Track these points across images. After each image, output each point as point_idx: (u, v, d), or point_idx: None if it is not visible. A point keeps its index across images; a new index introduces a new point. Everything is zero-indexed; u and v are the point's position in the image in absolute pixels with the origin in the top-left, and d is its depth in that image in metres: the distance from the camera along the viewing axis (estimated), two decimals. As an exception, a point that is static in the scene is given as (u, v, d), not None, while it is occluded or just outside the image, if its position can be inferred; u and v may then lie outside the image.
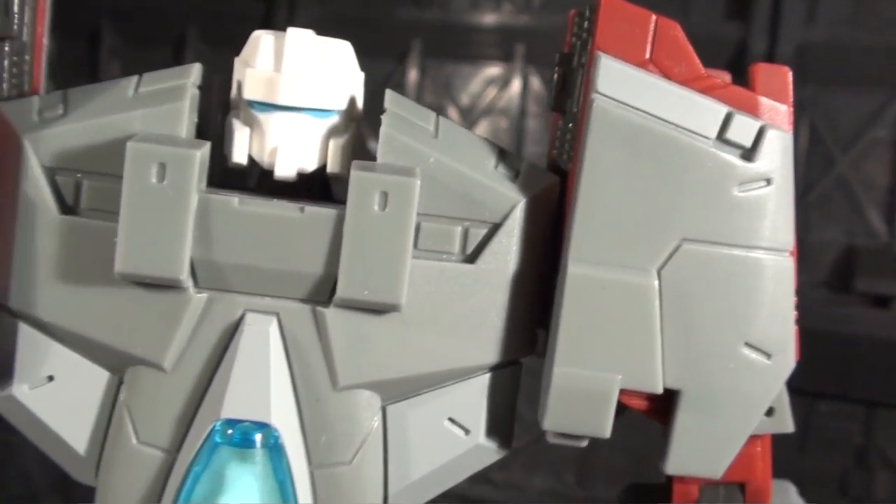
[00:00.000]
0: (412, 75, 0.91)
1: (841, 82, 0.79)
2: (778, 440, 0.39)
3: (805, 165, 0.80)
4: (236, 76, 0.32)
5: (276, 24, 0.85)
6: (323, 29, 0.34)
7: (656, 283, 0.31)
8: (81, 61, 0.98)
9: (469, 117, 0.85)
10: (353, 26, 0.92)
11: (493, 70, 0.87)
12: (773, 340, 0.32)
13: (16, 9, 0.32)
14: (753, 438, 0.35)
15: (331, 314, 0.31)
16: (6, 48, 0.32)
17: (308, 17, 0.88)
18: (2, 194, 0.31)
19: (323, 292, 0.31)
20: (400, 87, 0.90)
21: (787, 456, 0.42)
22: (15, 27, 0.32)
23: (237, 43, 0.34)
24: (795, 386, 0.37)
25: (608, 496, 0.90)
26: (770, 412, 0.35)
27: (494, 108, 0.86)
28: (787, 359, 0.32)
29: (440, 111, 0.36)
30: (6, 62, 0.32)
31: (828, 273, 0.81)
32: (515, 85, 0.86)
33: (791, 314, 0.32)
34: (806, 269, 0.85)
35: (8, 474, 1.08)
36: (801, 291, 0.33)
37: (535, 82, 0.86)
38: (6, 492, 1.08)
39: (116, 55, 0.96)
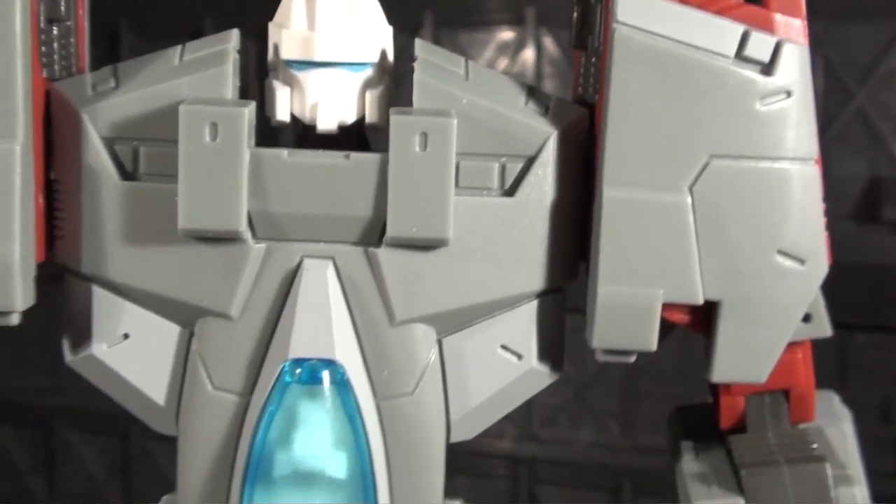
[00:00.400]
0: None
1: (853, 15, 0.80)
2: (818, 375, 0.40)
3: (823, 101, 0.81)
4: (272, 39, 0.34)
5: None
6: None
7: (689, 199, 0.33)
8: (102, 62, 1.02)
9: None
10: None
11: (506, 35, 0.89)
12: (805, 247, 0.34)
13: None
14: (794, 346, 0.37)
15: (383, 254, 0.33)
16: (55, 31, 0.34)
17: None
18: (65, 167, 0.33)
19: (374, 234, 0.33)
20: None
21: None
22: (62, 10, 0.34)
23: (253, 31, 0.36)
24: (830, 319, 0.39)
25: (652, 444, 0.91)
26: (807, 318, 0.37)
27: (510, 72, 0.87)
28: (820, 264, 0.34)
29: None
30: (56, 45, 0.34)
31: (854, 206, 0.82)
32: (529, 48, 0.88)
33: (821, 221, 0.34)
34: (832, 204, 0.86)
35: (70, 472, 1.12)
36: (828, 226, 0.35)
37: (549, 43, 0.87)
38: (69, 490, 1.12)
39: (137, 52, 0.98)
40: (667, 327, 0.36)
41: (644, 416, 0.90)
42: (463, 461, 0.98)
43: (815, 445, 0.37)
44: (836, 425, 0.40)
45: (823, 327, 0.36)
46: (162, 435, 0.35)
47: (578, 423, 0.94)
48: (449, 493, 0.36)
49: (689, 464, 0.38)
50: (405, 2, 0.93)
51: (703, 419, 0.40)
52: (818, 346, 0.39)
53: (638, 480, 0.92)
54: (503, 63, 0.88)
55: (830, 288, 0.37)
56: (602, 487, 0.94)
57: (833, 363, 0.85)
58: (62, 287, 0.35)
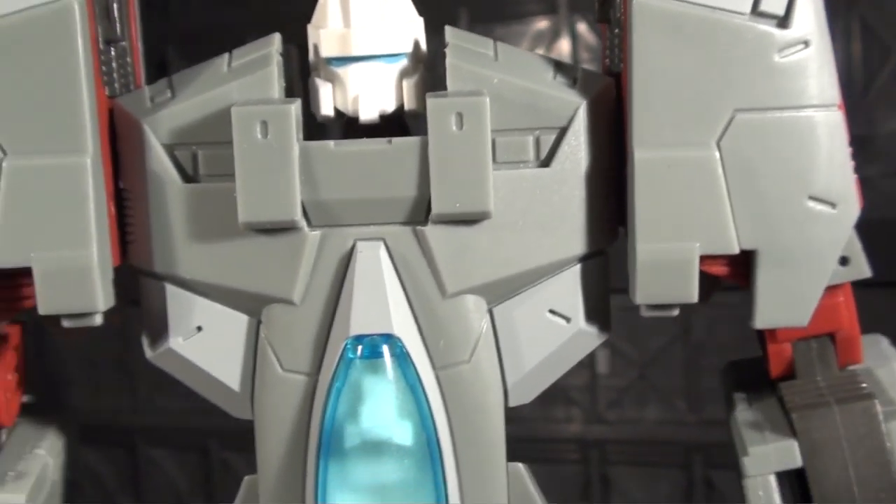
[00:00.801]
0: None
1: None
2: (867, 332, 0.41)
3: (862, 62, 0.81)
4: (311, 40, 0.37)
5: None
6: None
7: (717, 154, 0.34)
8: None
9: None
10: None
11: (541, 24, 0.91)
12: (836, 191, 0.35)
13: (116, 15, 0.37)
14: (835, 289, 0.38)
15: (430, 231, 0.35)
16: (112, 52, 0.37)
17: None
18: (132, 175, 0.36)
19: (420, 213, 0.35)
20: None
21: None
22: (118, 32, 0.37)
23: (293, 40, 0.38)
24: (876, 280, 0.40)
25: (719, 417, 0.92)
26: (845, 262, 0.38)
27: (548, 61, 0.89)
28: (851, 207, 0.35)
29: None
30: (114, 64, 0.37)
31: (901, 162, 0.82)
32: (564, 36, 0.89)
33: (849, 164, 0.35)
34: (877, 162, 0.86)
35: (155, 486, 1.17)
36: (874, 184, 0.36)
37: (583, 30, 0.89)
38: (158, 501, 1.17)
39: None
40: (711, 284, 0.37)
41: (708, 390, 0.91)
42: (534, 448, 1.00)
43: (864, 385, 0.38)
44: (885, 366, 0.41)
45: (862, 269, 0.37)
46: (239, 445, 0.38)
47: (644, 402, 0.95)
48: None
49: (743, 413, 0.40)
50: (439, 1, 0.96)
51: (755, 371, 0.42)
52: (868, 304, 0.40)
53: (708, 454, 0.93)
54: (541, 51, 0.89)
55: (879, 245, 0.38)
56: (673, 464, 0.95)
57: (882, 320, 0.85)
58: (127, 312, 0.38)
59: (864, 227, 0.37)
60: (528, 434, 1.01)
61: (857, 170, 0.35)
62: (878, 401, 0.38)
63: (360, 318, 0.34)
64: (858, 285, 0.39)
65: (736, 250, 0.35)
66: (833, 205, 0.35)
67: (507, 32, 0.95)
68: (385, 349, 0.34)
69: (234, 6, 1.02)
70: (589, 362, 0.97)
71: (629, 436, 0.96)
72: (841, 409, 0.37)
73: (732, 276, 0.36)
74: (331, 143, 0.35)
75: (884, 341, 0.43)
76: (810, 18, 0.34)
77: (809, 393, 0.38)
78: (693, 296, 0.34)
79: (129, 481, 1.19)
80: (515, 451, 0.97)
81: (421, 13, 0.37)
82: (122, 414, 1.16)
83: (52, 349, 0.96)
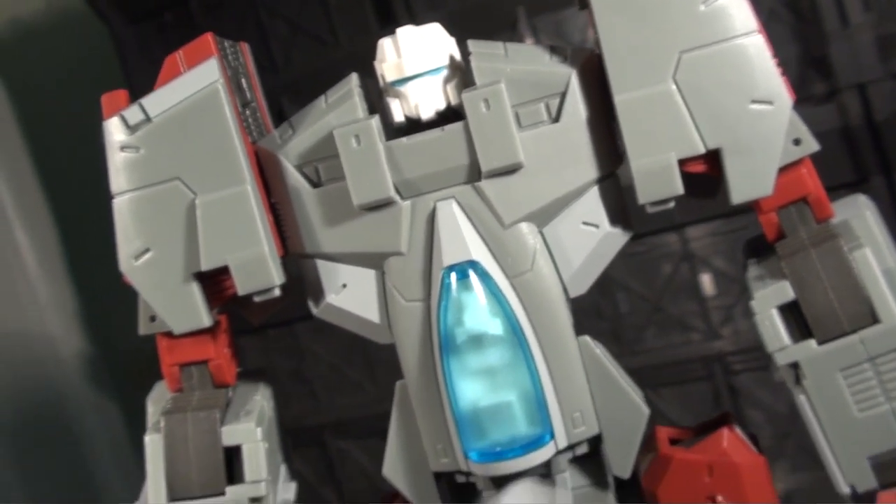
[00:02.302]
0: (526, 38, 1.09)
1: None
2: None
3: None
4: (378, 72, 0.51)
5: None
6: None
7: (674, 86, 0.47)
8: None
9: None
10: (463, 18, 1.12)
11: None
12: (770, 92, 0.47)
13: (244, 84, 0.53)
14: (797, 164, 0.49)
15: (484, 184, 0.49)
16: (247, 112, 0.54)
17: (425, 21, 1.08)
18: (278, 191, 0.51)
19: (475, 174, 0.49)
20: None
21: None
22: (248, 97, 0.54)
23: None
24: None
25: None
26: (798, 142, 0.50)
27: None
28: (785, 101, 0.47)
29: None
30: (250, 119, 0.54)
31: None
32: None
33: (776, 71, 0.47)
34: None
35: (350, 474, 1.34)
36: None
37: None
38: (353, 488, 1.34)
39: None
40: (711, 185, 0.50)
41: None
42: (663, 374, 1.12)
43: (832, 230, 0.50)
44: (858, 215, 0.51)
45: (811, 145, 0.49)
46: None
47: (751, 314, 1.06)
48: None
49: (752, 271, 0.52)
50: (498, 5, 1.10)
51: (763, 242, 0.54)
52: None
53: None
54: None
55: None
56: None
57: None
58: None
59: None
60: (656, 362, 1.13)
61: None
62: (845, 238, 0.50)
63: (448, 253, 0.48)
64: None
65: (703, 150, 0.47)
66: (770, 103, 0.48)
67: (564, 17, 1.08)
68: (470, 271, 0.49)
69: (324, 55, 1.21)
70: (695, 289, 1.10)
71: (746, 345, 1.07)
72: (816, 251, 0.49)
73: (709, 169, 0.49)
74: (404, 139, 0.49)
75: (861, 197, 0.54)
76: (721, -26, 0.47)
77: (794, 244, 0.50)
78: (678, 189, 0.48)
79: (327, 471, 1.37)
80: (646, 378, 1.11)
81: (484, 22, 0.50)
82: (308, 416, 1.34)
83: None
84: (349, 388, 1.33)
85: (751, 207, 0.51)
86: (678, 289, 1.10)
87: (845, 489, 0.49)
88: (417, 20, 1.11)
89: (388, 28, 1.09)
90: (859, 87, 0.96)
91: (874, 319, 0.48)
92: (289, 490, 0.55)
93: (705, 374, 1.09)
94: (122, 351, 1.76)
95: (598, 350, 0.51)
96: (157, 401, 0.55)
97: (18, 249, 1.78)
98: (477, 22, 1.10)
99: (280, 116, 0.57)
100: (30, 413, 1.69)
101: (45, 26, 1.60)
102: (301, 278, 0.53)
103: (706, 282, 1.08)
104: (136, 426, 1.78)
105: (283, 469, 0.56)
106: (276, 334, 1.33)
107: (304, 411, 1.35)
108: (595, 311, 1.16)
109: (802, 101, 0.97)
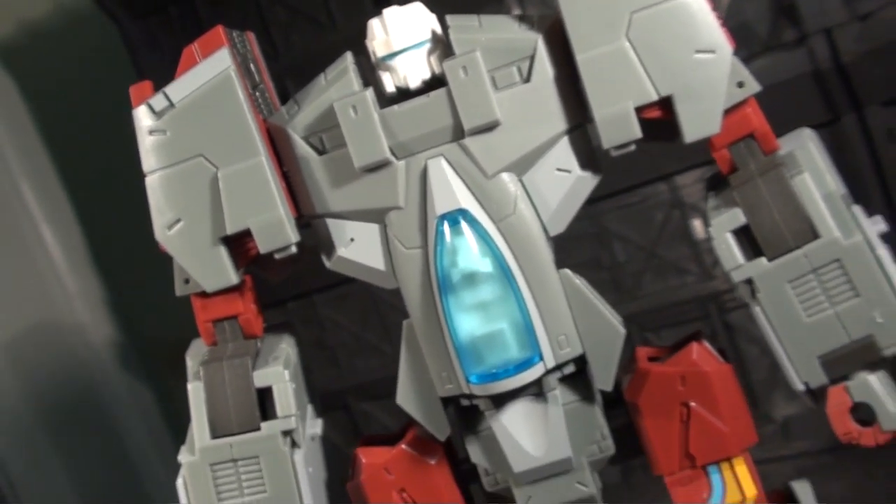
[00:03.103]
0: (514, 9, 1.16)
1: None
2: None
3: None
4: (369, 49, 0.58)
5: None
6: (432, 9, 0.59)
7: (627, 43, 0.54)
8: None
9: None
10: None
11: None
12: (712, 42, 0.54)
13: (253, 69, 0.61)
14: (742, 104, 0.56)
15: (468, 141, 0.56)
16: (257, 93, 0.61)
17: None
18: (289, 161, 0.58)
19: (459, 132, 0.56)
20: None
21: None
22: (257, 80, 0.61)
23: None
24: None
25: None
26: (741, 85, 0.57)
27: None
28: (726, 49, 0.54)
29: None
30: (260, 100, 0.61)
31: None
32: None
33: (716, 22, 0.54)
34: None
35: (375, 432, 1.42)
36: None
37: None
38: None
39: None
40: (667, 129, 0.57)
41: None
42: (661, 316, 1.19)
43: (775, 160, 0.56)
44: (802, 147, 0.58)
45: (753, 86, 0.56)
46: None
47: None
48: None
49: (710, 202, 0.58)
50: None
51: (720, 176, 0.61)
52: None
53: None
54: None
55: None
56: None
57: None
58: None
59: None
60: (655, 305, 1.20)
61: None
62: (788, 167, 0.57)
63: (440, 204, 0.55)
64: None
65: (656, 98, 0.54)
66: (713, 52, 0.54)
67: None
68: (460, 219, 0.56)
69: (322, 37, 1.28)
70: (687, 234, 1.17)
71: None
72: (762, 179, 0.56)
73: (663, 115, 0.55)
74: (396, 107, 0.56)
75: (806, 130, 0.59)
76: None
77: (744, 175, 0.57)
78: (637, 133, 0.54)
79: (352, 435, 1.45)
80: (647, 321, 1.19)
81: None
82: (330, 381, 1.42)
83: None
84: (368, 351, 1.41)
85: (706, 147, 0.58)
86: (671, 235, 1.17)
87: (800, 386, 0.56)
88: (407, -2, 1.18)
89: (381, 8, 1.17)
90: (826, 31, 1.02)
91: (815, 235, 0.55)
92: (316, 425, 0.63)
93: (701, 313, 1.16)
94: (147, 336, 1.86)
95: (578, 281, 0.58)
96: (194, 355, 0.63)
97: (45, 245, 1.86)
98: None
99: (285, 97, 0.64)
100: (65, 396, 1.78)
101: (55, 26, 1.67)
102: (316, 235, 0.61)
103: (697, 226, 1.15)
104: (165, 403, 1.88)
105: (309, 408, 0.64)
106: (295, 306, 1.41)
107: (327, 377, 1.43)
108: (595, 263, 1.23)
109: (775, 47, 1.05)
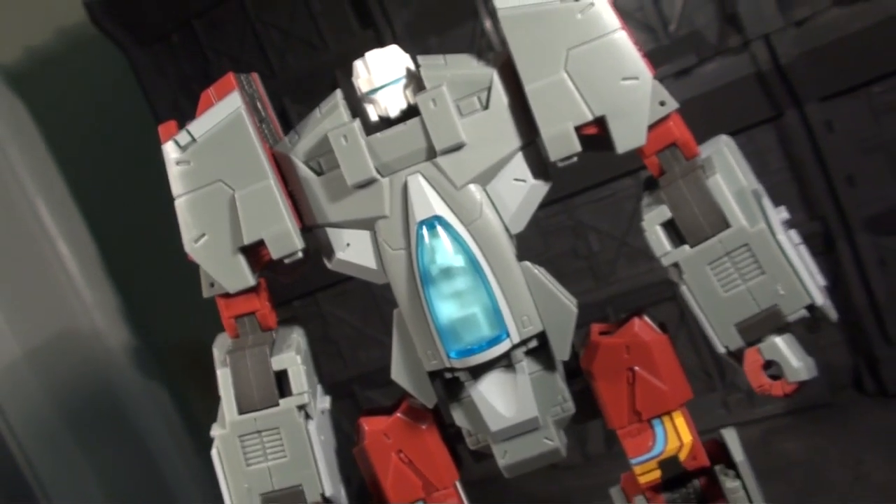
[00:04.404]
0: (486, 21, 1.28)
1: None
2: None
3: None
4: (356, 86, 0.70)
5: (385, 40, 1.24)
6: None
7: (566, 75, 0.66)
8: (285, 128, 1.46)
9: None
10: (431, 11, 1.31)
11: None
12: (635, 70, 0.65)
13: (259, 105, 0.73)
14: (665, 119, 0.68)
15: (440, 160, 0.67)
16: (264, 126, 0.74)
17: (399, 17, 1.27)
18: (292, 182, 0.70)
19: (432, 153, 0.67)
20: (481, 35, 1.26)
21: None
22: (262, 113, 0.74)
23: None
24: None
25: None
26: (663, 104, 0.69)
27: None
28: (646, 75, 0.65)
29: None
30: (266, 131, 0.73)
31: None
32: None
33: (637, 54, 0.66)
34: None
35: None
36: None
37: None
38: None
39: (300, 115, 1.41)
40: (603, 142, 0.69)
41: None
42: (635, 298, 1.31)
43: (694, 164, 0.69)
44: (718, 151, 0.68)
45: (672, 104, 0.68)
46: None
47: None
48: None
49: (644, 200, 0.70)
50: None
51: (654, 179, 0.73)
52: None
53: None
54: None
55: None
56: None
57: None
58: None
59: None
60: (628, 289, 1.32)
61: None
62: (705, 169, 0.69)
63: (419, 212, 0.66)
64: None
65: (591, 118, 0.66)
66: (636, 78, 0.67)
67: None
68: (436, 224, 0.68)
69: (315, 57, 1.40)
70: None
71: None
72: (684, 180, 0.68)
73: (598, 131, 0.67)
74: (379, 134, 0.68)
75: (723, 137, 0.69)
76: (589, -6, 0.66)
77: (670, 177, 0.69)
78: (577, 147, 0.66)
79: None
80: (621, 304, 1.32)
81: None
82: (335, 373, 1.54)
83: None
84: (370, 343, 1.53)
85: (637, 155, 0.70)
86: (640, 225, 1.29)
87: (722, 349, 0.69)
88: (391, 16, 1.31)
89: (367, 29, 1.30)
90: (765, 37, 1.15)
91: (727, 225, 0.67)
92: (325, 401, 0.76)
93: (670, 293, 1.28)
94: (161, 341, 1.98)
95: (536, 270, 0.70)
96: (220, 346, 0.75)
97: (62, 260, 1.98)
98: (443, 12, 1.29)
99: (283, 112, 0.76)
100: (87, 398, 1.89)
101: (66, 55, 1.80)
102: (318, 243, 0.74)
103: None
104: (179, 401, 2.01)
105: (319, 387, 0.76)
106: (300, 304, 1.53)
107: (333, 369, 1.55)
108: (572, 253, 1.36)
109: (724, 52, 1.17)
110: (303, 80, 1.41)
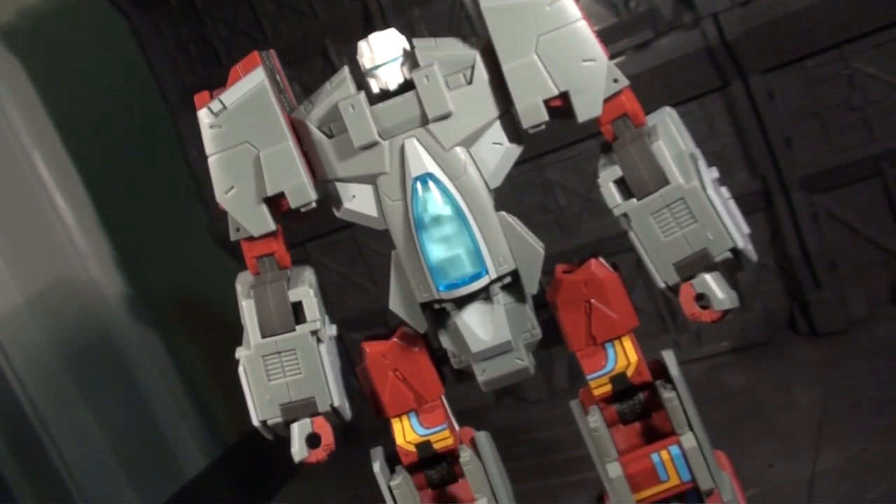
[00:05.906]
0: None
1: None
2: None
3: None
4: (360, 64, 0.85)
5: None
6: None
7: (536, 57, 0.81)
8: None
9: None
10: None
11: None
12: (594, 53, 0.79)
13: (277, 78, 0.87)
14: (618, 94, 0.84)
15: (432, 126, 0.81)
16: (283, 96, 0.88)
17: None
18: (307, 144, 0.84)
19: (425, 120, 0.81)
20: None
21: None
22: (280, 85, 0.88)
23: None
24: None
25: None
26: (616, 81, 0.84)
27: None
28: (602, 58, 0.80)
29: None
30: (284, 100, 0.87)
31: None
32: None
33: (595, 41, 0.81)
34: None
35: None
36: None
37: None
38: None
39: (307, 92, 1.54)
40: (567, 112, 0.84)
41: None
42: (597, 248, 1.47)
43: (641, 131, 0.84)
44: (662, 121, 0.81)
45: (624, 81, 0.83)
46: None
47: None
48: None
49: (601, 161, 0.85)
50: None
51: (608, 144, 0.89)
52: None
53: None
54: None
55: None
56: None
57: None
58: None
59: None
60: (593, 240, 1.47)
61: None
62: (651, 136, 0.84)
63: (414, 169, 0.81)
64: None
65: (557, 92, 0.80)
66: (594, 60, 0.82)
67: None
68: (428, 179, 0.83)
69: (305, 25, 1.53)
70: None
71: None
72: (632, 145, 0.83)
73: (563, 104, 0.83)
74: (381, 104, 0.83)
75: (667, 109, 0.81)
76: (556, -12, 0.81)
77: (621, 143, 0.84)
78: (545, 117, 0.81)
79: (347, 362, 1.72)
80: (585, 253, 1.46)
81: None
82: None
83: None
84: (355, 290, 1.68)
85: (596, 123, 0.86)
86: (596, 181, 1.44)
87: (662, 284, 0.85)
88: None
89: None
90: (714, 15, 1.30)
91: (667, 182, 0.83)
92: (332, 329, 0.91)
93: (629, 245, 1.44)
94: (153, 289, 2.11)
95: (511, 219, 0.85)
96: (242, 282, 0.89)
97: (59, 211, 2.10)
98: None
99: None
100: (84, 343, 2.03)
101: (67, 16, 1.91)
102: (329, 197, 0.88)
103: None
104: (172, 347, 2.18)
105: (326, 318, 0.92)
106: (291, 254, 1.67)
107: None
108: (541, 207, 1.51)
109: (676, 28, 1.33)
110: (294, 46, 1.54)
